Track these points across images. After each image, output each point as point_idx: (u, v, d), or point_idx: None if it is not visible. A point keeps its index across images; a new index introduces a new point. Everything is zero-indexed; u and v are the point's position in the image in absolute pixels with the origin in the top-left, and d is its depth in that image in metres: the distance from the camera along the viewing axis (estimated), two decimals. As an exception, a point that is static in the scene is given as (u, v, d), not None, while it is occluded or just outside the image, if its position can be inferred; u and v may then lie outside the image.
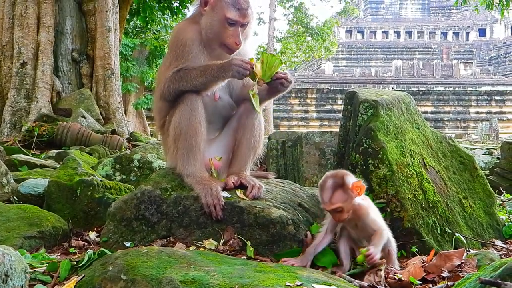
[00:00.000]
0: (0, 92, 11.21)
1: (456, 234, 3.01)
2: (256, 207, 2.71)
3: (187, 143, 2.89)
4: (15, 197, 3.78)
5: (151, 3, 16.36)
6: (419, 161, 3.16)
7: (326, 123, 39.43)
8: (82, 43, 12.15)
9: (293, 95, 40.27)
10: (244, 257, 2.55)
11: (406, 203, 2.90)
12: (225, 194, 2.80)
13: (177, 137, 2.93)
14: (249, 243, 2.62)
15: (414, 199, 2.96)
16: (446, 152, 3.50)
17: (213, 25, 2.98)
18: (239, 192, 2.84)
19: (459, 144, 3.67)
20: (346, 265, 2.53)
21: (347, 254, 2.58)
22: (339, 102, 39.50)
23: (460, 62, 45.61)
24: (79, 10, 12.21)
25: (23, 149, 8.18)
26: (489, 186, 3.55)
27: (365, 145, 3.02)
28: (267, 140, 7.00)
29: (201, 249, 2.59)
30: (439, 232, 2.99)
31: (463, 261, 2.52)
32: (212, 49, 3.03)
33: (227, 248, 2.61)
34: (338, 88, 40.37)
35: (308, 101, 40.59)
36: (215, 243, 2.64)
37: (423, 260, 2.61)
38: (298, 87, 40.27)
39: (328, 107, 40.46)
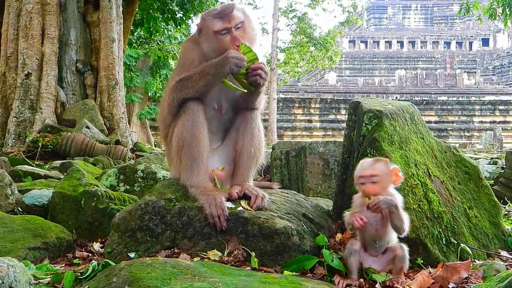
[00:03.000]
0: (5, 103, 11.27)
1: (461, 244, 2.99)
2: (260, 217, 2.70)
3: (190, 154, 2.90)
4: (19, 208, 3.79)
5: (155, 14, 16.46)
6: (424, 171, 3.15)
7: (330, 132, 39.42)
8: (86, 54, 12.22)
9: (297, 105, 40.33)
10: (249, 268, 2.53)
11: (411, 214, 2.88)
12: (229, 204, 2.80)
13: (180, 148, 2.94)
14: (253, 254, 2.60)
15: (419, 209, 2.94)
16: (450, 162, 3.48)
17: (210, 45, 3.00)
18: (243, 203, 2.83)
19: (463, 154, 3.66)
20: (354, 278, 2.50)
21: (356, 265, 2.55)
22: (343, 111, 39.53)
23: (464, 71, 45.64)
24: (84, 21, 12.30)
25: (27, 159, 8.20)
26: (494, 196, 3.53)
27: (369, 155, 3.01)
28: (270, 150, 6.98)
29: (205, 260, 2.58)
30: (444, 242, 2.97)
31: (469, 273, 2.50)
32: (212, 57, 3.02)
33: (231, 259, 2.59)
34: (342, 98, 40.42)
35: (312, 110, 40.63)
36: (220, 254, 2.63)
37: (430, 272, 2.59)
38: (302, 97, 40.34)
39: (332, 116, 40.48)
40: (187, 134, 2.90)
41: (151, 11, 16.41)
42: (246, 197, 2.86)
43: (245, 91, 2.95)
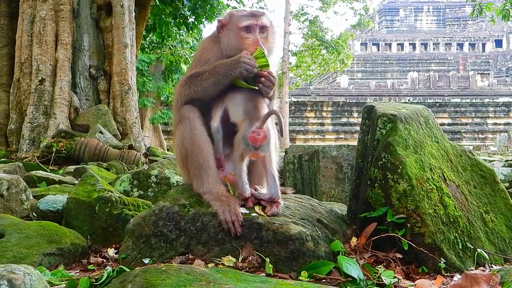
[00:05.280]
0: (19, 108, 11.36)
1: (478, 249, 2.95)
2: (274, 223, 2.69)
3: (196, 163, 2.90)
4: (34, 214, 3.81)
5: (167, 19, 16.54)
6: (439, 175, 3.12)
7: (342, 136, 39.33)
8: (99, 60, 12.30)
9: (309, 108, 40.29)
10: (263, 274, 2.52)
11: (427, 218, 2.85)
12: (243, 210, 2.79)
13: (184, 158, 2.96)
14: (268, 259, 2.59)
15: (435, 214, 2.91)
16: (466, 165, 3.45)
17: (231, 41, 3.00)
18: (257, 208, 2.82)
19: (479, 158, 3.62)
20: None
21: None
22: (355, 114, 39.42)
23: (477, 73, 45.34)
24: (96, 27, 12.38)
25: (41, 165, 8.27)
26: (510, 200, 3.49)
27: (384, 160, 2.99)
28: (283, 154, 6.97)
29: (219, 266, 2.57)
30: (460, 247, 2.93)
31: (490, 286, 2.44)
32: (229, 57, 3.03)
33: (246, 265, 2.58)
34: (354, 101, 40.33)
35: (324, 114, 40.56)
36: (234, 259, 2.62)
37: (432, 284, 2.55)
38: (314, 100, 40.29)
39: (344, 120, 40.38)
40: (187, 143, 2.91)
41: (163, 16, 16.50)
42: (260, 203, 2.85)
43: (256, 88, 2.94)
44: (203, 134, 2.92)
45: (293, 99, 39.56)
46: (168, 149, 22.17)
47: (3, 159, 9.35)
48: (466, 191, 3.27)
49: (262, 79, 2.89)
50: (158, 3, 16.11)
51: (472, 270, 2.76)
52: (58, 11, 11.34)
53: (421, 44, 58.33)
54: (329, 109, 40.55)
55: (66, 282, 2.47)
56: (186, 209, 2.82)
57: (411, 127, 3.17)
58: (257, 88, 2.93)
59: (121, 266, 2.54)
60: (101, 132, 10.33)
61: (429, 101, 39.69)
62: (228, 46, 3.01)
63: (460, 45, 58.72)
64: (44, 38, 11.19)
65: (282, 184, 6.40)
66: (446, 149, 3.39)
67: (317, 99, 40.58)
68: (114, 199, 3.47)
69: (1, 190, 3.88)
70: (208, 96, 2.97)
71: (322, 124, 40.40)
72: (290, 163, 6.44)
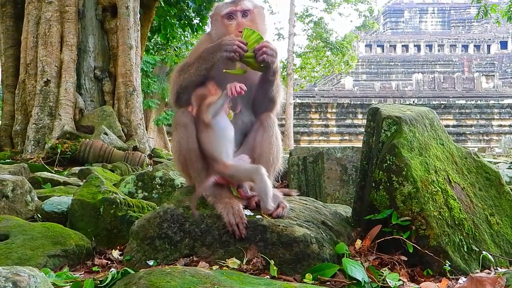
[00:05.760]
0: (24, 109, 11.40)
1: (483, 252, 2.94)
2: (279, 225, 2.68)
3: (195, 168, 2.92)
4: (39, 215, 3.82)
5: (172, 21, 16.58)
6: (444, 178, 3.11)
7: (347, 137, 39.26)
8: (104, 61, 12.33)
9: (313, 109, 40.24)
10: (268, 276, 2.52)
11: (432, 221, 2.85)
12: (247, 212, 2.79)
13: (183, 164, 2.98)
14: (272, 262, 2.59)
15: (440, 216, 2.90)
16: (471, 168, 3.44)
17: (218, 31, 3.08)
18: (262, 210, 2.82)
19: (484, 160, 3.61)
20: None
21: None
22: (360, 116, 39.34)
23: (482, 75, 45.17)
24: (101, 29, 12.42)
25: (46, 166, 8.29)
26: (516, 202, 3.48)
27: (388, 162, 2.98)
28: (288, 156, 6.96)
29: (224, 268, 2.57)
30: (465, 250, 2.92)
31: (495, 288, 2.44)
32: None
33: (250, 267, 2.58)
34: (359, 103, 40.26)
35: (328, 115, 40.49)
36: (238, 262, 2.62)
37: (437, 286, 2.54)
38: (318, 101, 40.25)
39: (349, 121, 40.31)
40: (185, 151, 2.93)
41: (168, 17, 16.54)
42: (265, 205, 2.84)
43: (241, 72, 2.93)
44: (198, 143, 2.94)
45: (298, 100, 39.53)
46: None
47: (8, 160, 9.38)
48: (471, 194, 3.26)
49: (264, 49, 2.86)
50: (163, 5, 16.15)
51: (478, 273, 2.75)
52: (63, 13, 11.38)
53: (426, 45, 58.19)
54: (334, 110, 40.48)
55: (71, 283, 2.48)
56: (191, 211, 2.82)
57: (416, 129, 3.16)
58: (246, 72, 2.93)
59: (126, 268, 2.55)
60: (105, 134, 10.35)
61: (433, 102, 39.59)
62: (216, 37, 3.05)
63: (465, 47, 58.56)
64: (49, 40, 11.23)
65: (286, 186, 6.41)
66: (451, 151, 3.38)
67: (321, 100, 40.53)
68: (118, 200, 3.47)
69: (6, 191, 3.89)
70: (198, 82, 2.99)
71: (326, 126, 40.34)
72: (294, 164, 6.42)
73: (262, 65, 2.91)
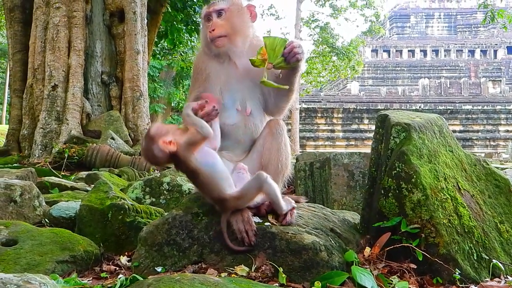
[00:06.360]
0: (32, 114, 11.45)
1: (493, 260, 2.92)
2: (288, 232, 2.68)
3: None
4: (46, 220, 3.82)
5: (179, 26, 16.62)
6: (454, 185, 3.09)
7: (353, 142, 39.19)
8: (111, 66, 12.38)
9: (319, 114, 40.20)
10: (277, 284, 2.51)
11: (441, 229, 2.83)
12: (256, 219, 2.78)
13: None
14: (281, 269, 2.58)
15: (449, 224, 2.88)
16: (480, 175, 3.42)
17: (201, 36, 3.17)
18: (270, 217, 2.81)
19: (493, 167, 3.59)
20: None
21: None
22: (366, 121, 39.28)
23: (489, 80, 45.01)
24: (109, 34, 12.47)
25: (53, 170, 8.30)
26: (525, 210, 3.45)
27: (397, 169, 2.97)
28: (294, 161, 6.95)
29: (232, 275, 2.57)
30: (475, 258, 2.90)
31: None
32: (214, 56, 3.09)
33: (259, 274, 2.57)
34: (365, 108, 40.18)
35: (334, 120, 40.44)
36: (247, 269, 2.61)
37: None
38: (324, 106, 40.21)
39: (355, 126, 40.24)
40: None
41: (175, 23, 16.59)
42: (273, 212, 2.84)
43: (287, 87, 2.95)
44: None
45: (304, 105, 39.52)
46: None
47: (16, 164, 9.41)
48: (480, 201, 3.24)
49: (293, 50, 2.86)
50: (170, 10, 16.20)
51: (488, 281, 2.73)
52: (71, 18, 11.44)
53: (432, 50, 58.04)
54: (340, 115, 40.43)
55: (79, 290, 2.48)
56: (199, 218, 2.82)
57: (425, 136, 3.15)
58: (287, 87, 2.95)
59: (134, 275, 2.54)
60: (112, 138, 10.38)
61: (440, 108, 39.48)
62: (202, 41, 3.12)
63: (472, 52, 58.38)
64: (57, 45, 11.29)
65: (293, 192, 6.40)
66: (460, 158, 3.36)
67: (327, 105, 40.49)
68: (127, 206, 3.47)
69: (14, 196, 3.91)
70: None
71: (332, 131, 40.28)
72: (301, 170, 6.41)
73: (293, 65, 2.93)
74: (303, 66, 3.03)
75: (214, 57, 3.07)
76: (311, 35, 37.35)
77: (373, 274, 2.58)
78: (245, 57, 3.00)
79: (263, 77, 2.85)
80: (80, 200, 3.85)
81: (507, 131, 40.18)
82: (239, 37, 3.04)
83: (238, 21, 3.07)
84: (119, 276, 2.67)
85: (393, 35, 65.19)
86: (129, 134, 11.48)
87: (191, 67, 25.14)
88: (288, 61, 2.87)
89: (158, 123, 2.71)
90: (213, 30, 2.98)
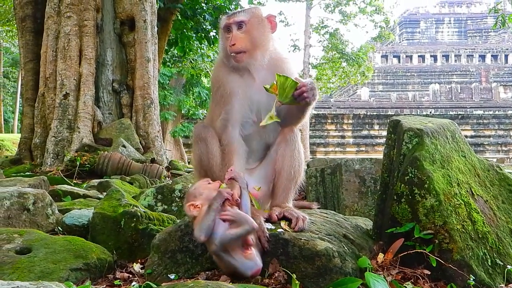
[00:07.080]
0: (43, 122, 11.52)
1: (508, 266, 2.89)
2: (301, 239, 2.67)
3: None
4: (59, 228, 3.84)
5: (189, 34, 16.69)
6: (467, 191, 3.08)
7: (363, 148, 39.06)
8: (122, 74, 12.44)
9: (329, 120, 40.12)
10: (290, 290, 2.50)
11: (455, 234, 2.81)
12: (268, 225, 2.78)
13: (203, 177, 2.95)
14: (294, 276, 2.57)
15: (463, 230, 2.87)
16: (494, 180, 3.40)
17: (221, 45, 3.16)
18: (282, 224, 2.81)
19: (507, 172, 3.56)
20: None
21: None
22: (376, 127, 39.16)
23: (500, 85, 44.77)
24: (119, 42, 12.53)
25: (65, 178, 8.35)
26: (540, 215, 3.42)
27: (410, 175, 2.96)
28: (305, 167, 6.95)
29: (245, 282, 2.56)
30: (489, 264, 2.88)
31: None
32: (233, 68, 3.06)
33: (272, 281, 2.57)
34: (375, 113, 40.06)
35: (345, 126, 40.34)
36: (260, 276, 2.60)
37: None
38: (334, 112, 40.13)
39: (365, 132, 40.11)
40: (205, 165, 2.97)
41: (185, 30, 16.66)
42: (286, 219, 2.83)
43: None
44: (218, 155, 2.96)
45: (314, 111, 39.45)
46: (189, 162, 22.25)
47: (28, 173, 9.47)
48: (494, 206, 3.22)
49: (304, 94, 2.83)
50: (180, 18, 16.28)
51: (502, 287, 2.71)
52: (82, 27, 11.52)
53: (443, 56, 57.76)
54: (350, 121, 40.33)
55: (93, 297, 2.49)
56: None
57: (437, 141, 3.13)
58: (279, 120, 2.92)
59: (148, 282, 2.55)
60: (124, 146, 10.42)
61: (451, 113, 39.26)
62: (221, 52, 3.12)
63: (482, 57, 58.04)
64: (68, 53, 11.36)
65: (304, 198, 6.39)
66: (473, 163, 3.35)
67: (337, 111, 40.40)
68: (139, 214, 3.48)
69: (28, 204, 3.93)
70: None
71: (342, 137, 40.18)
72: (312, 176, 6.40)
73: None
74: (313, 104, 3.01)
75: (233, 70, 3.06)
76: (320, 41, 37.34)
77: (386, 281, 2.57)
78: (264, 70, 3.02)
79: (272, 112, 2.86)
80: (92, 207, 3.86)
81: (519, 136, 39.88)
82: (259, 51, 3.03)
83: (259, 34, 3.06)
84: (132, 284, 2.68)
85: (403, 40, 65.01)
86: (140, 142, 11.51)
87: (200, 75, 25.24)
88: (298, 102, 2.88)
89: (202, 182, 2.75)
90: (233, 44, 2.97)
